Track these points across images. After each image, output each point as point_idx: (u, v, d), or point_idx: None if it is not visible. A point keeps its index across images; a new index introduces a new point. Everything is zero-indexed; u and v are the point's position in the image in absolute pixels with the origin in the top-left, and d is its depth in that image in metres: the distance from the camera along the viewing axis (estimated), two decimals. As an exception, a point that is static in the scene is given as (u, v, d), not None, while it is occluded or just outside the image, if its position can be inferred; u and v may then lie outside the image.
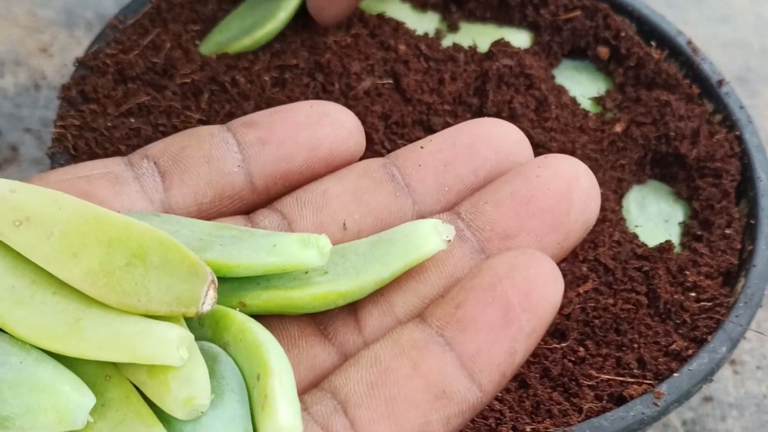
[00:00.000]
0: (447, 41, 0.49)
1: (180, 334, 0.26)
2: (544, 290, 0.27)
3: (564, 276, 0.40)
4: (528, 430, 0.36)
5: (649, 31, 0.49)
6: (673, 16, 0.77)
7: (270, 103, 0.42)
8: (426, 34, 0.48)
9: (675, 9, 0.78)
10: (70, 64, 0.44)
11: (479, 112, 0.45)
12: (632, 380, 0.38)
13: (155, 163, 0.31)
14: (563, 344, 0.39)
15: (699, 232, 0.43)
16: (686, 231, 0.44)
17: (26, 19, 0.72)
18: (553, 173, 0.30)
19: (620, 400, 0.37)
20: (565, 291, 0.40)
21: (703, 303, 0.40)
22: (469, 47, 0.47)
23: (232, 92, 0.43)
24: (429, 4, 0.50)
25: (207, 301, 0.26)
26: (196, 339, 0.27)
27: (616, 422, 0.36)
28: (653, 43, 0.48)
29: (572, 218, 0.29)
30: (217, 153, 0.31)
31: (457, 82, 0.45)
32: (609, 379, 0.38)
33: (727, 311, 0.40)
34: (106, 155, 0.40)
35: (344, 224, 0.30)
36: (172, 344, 0.25)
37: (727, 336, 0.39)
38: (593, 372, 0.38)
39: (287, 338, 0.29)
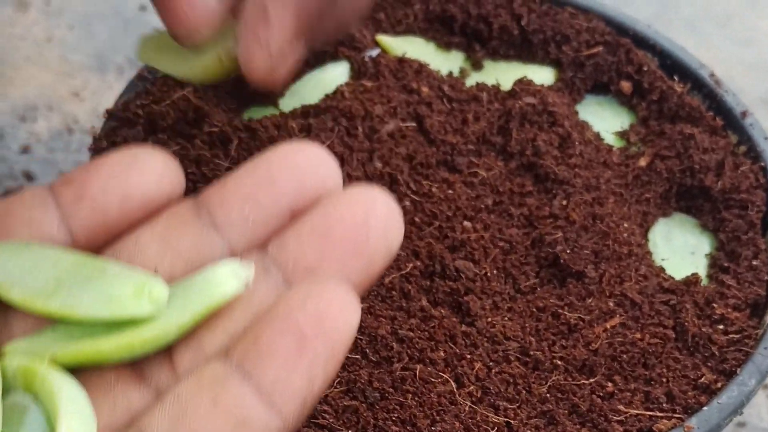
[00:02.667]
0: (471, 80, 0.49)
1: None
2: (338, 316, 0.29)
3: (591, 311, 0.40)
4: None
5: (672, 64, 0.49)
6: (696, 41, 0.78)
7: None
8: (450, 74, 0.49)
9: (699, 34, 0.79)
10: (102, 108, 0.45)
11: (503, 151, 0.45)
12: (661, 414, 0.38)
13: None
14: (591, 380, 0.39)
15: (726, 264, 0.44)
16: (713, 263, 0.44)
17: (58, 65, 0.74)
18: (350, 204, 0.31)
19: None
20: (592, 326, 0.40)
21: (731, 335, 0.41)
22: (492, 86, 0.48)
23: (261, 138, 0.44)
24: (453, 44, 0.51)
25: None
26: (10, 393, 0.29)
27: None
28: (676, 77, 0.49)
29: (372, 245, 0.30)
30: (37, 215, 0.32)
31: (480, 122, 0.46)
32: (638, 414, 0.38)
33: (755, 343, 0.40)
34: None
35: (156, 270, 0.31)
36: None
37: (756, 368, 0.39)
38: (622, 407, 0.38)
39: (104, 385, 0.30)
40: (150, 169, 0.33)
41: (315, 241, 0.31)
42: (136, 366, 0.31)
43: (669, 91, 0.48)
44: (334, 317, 0.29)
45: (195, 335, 0.31)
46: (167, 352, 0.31)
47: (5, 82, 0.73)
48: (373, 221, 0.31)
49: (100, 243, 0.33)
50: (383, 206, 0.31)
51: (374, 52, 0.49)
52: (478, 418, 0.37)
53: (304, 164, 0.32)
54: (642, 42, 0.50)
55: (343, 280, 0.30)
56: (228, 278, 0.30)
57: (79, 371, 0.30)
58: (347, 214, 0.31)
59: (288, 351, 0.28)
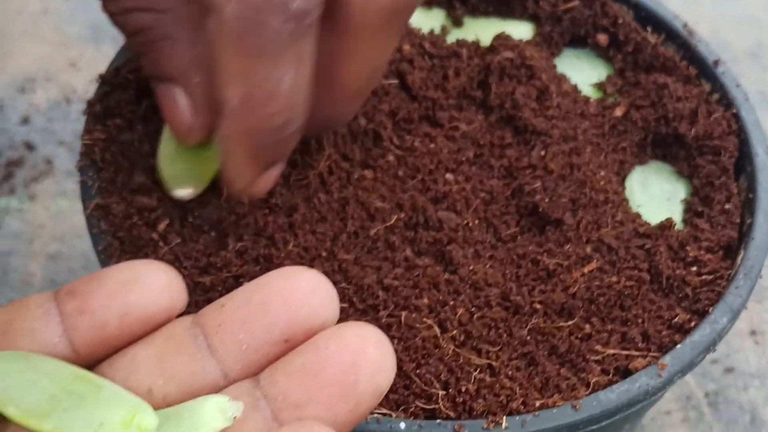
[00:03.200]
0: (452, 37, 0.50)
1: None
2: None
3: (569, 257, 0.42)
4: (537, 404, 0.38)
5: (646, 16, 0.50)
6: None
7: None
8: (432, 31, 0.50)
9: (686, -11, 0.80)
10: (99, 78, 0.47)
11: (483, 105, 0.47)
12: (637, 353, 0.40)
13: None
14: (570, 322, 0.40)
15: (700, 209, 0.45)
16: (688, 208, 0.46)
17: (54, 36, 0.75)
18: (340, 345, 0.32)
19: (626, 373, 0.39)
20: (570, 271, 0.42)
21: (704, 276, 0.42)
22: (472, 42, 0.49)
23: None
24: (434, 2, 0.52)
25: None
26: None
27: (622, 394, 0.38)
28: (649, 28, 0.50)
29: (361, 388, 0.31)
30: (40, 325, 0.33)
31: (460, 77, 0.47)
32: (614, 354, 0.40)
33: (727, 283, 0.42)
34: (132, 167, 0.43)
35: (150, 390, 0.32)
36: None
37: (728, 307, 0.41)
38: (599, 347, 0.40)
39: None
40: (151, 286, 0.34)
41: (304, 380, 0.32)
42: None
43: (643, 42, 0.49)
44: None
45: None
46: None
47: (3, 55, 0.74)
48: (363, 363, 0.32)
49: (99, 356, 0.34)
50: (375, 347, 0.32)
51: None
52: (462, 361, 0.39)
53: (299, 293, 0.33)
54: (617, -5, 0.51)
55: (327, 425, 0.31)
56: (216, 414, 0.32)
57: None
58: (337, 355, 0.32)
59: None
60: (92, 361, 0.34)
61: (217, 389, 0.33)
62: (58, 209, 0.66)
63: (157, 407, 0.32)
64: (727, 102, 0.47)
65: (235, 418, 0.32)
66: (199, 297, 0.40)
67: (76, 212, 0.65)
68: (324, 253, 0.41)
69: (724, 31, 0.78)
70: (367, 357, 0.32)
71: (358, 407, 0.32)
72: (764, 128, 0.68)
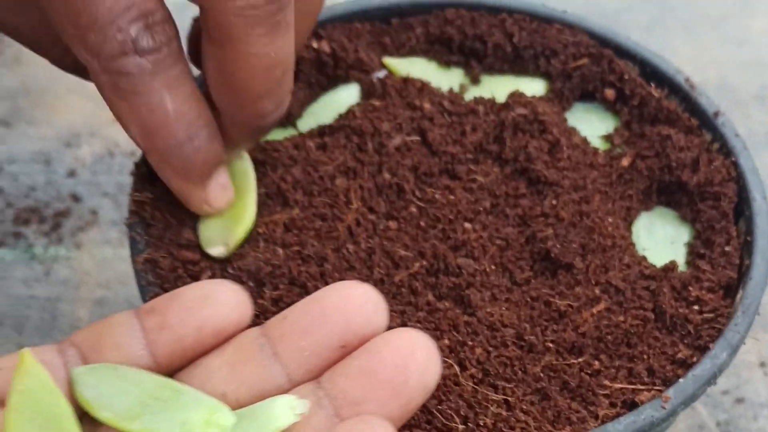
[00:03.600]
0: (470, 94, 0.54)
1: None
2: None
3: (579, 299, 0.45)
4: None
5: (651, 72, 0.53)
6: (691, 41, 0.82)
7: (315, 165, 0.49)
8: (451, 90, 0.54)
9: (695, 36, 0.82)
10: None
11: (498, 158, 0.50)
12: (643, 387, 0.42)
13: (79, 350, 0.38)
14: (580, 359, 0.43)
15: (702, 251, 0.48)
16: (690, 251, 0.48)
17: (97, 93, 0.79)
18: (392, 349, 0.36)
19: (632, 406, 0.42)
20: (580, 312, 0.45)
21: (705, 315, 0.45)
22: (489, 99, 0.53)
23: (282, 157, 0.49)
24: (452, 62, 0.56)
25: None
26: None
27: (628, 425, 0.40)
28: (653, 83, 0.53)
29: (411, 386, 0.35)
30: (125, 340, 0.37)
31: (477, 133, 0.51)
32: (622, 388, 0.42)
33: (727, 321, 0.44)
34: (180, 224, 0.47)
35: (224, 394, 0.36)
36: None
37: (727, 343, 0.43)
38: (607, 382, 0.42)
39: None
40: (222, 302, 0.38)
41: (361, 380, 0.36)
42: None
43: (648, 96, 0.52)
44: None
45: None
46: None
47: (50, 111, 0.78)
48: (413, 365, 0.36)
49: (177, 366, 0.38)
50: (422, 349, 0.36)
51: (381, 74, 0.54)
52: (480, 397, 0.41)
53: (353, 304, 0.37)
54: (623, 52, 0.54)
55: (383, 418, 0.34)
56: (285, 411, 0.36)
57: None
58: (390, 357, 0.36)
59: None
60: (171, 371, 0.38)
61: (282, 391, 0.37)
62: (103, 257, 0.69)
63: (232, 409, 0.36)
64: (726, 150, 0.50)
65: (302, 414, 0.35)
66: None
67: (119, 260, 0.69)
68: (353, 300, 0.45)
69: (731, 75, 0.81)
70: (416, 359, 0.36)
71: (408, 404, 0.36)
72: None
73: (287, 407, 0.36)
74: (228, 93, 0.43)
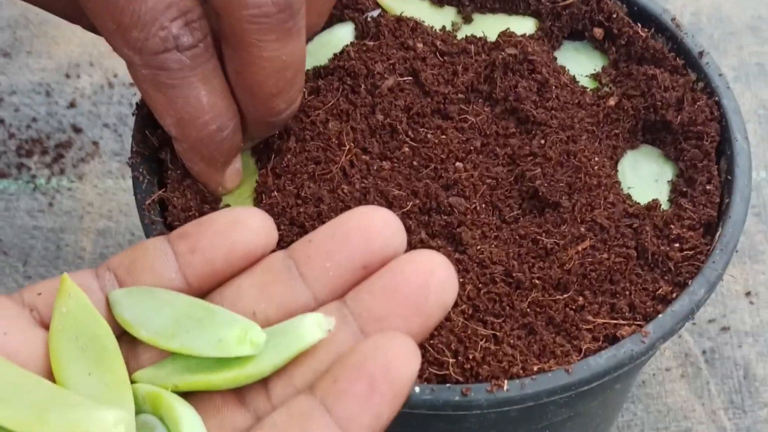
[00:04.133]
0: (462, 33, 0.55)
1: (117, 416, 0.34)
2: (402, 365, 0.35)
3: (565, 236, 0.47)
4: (535, 369, 0.42)
5: (638, 11, 0.55)
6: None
7: (306, 111, 0.50)
8: (443, 28, 0.55)
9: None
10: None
11: (489, 98, 0.51)
12: (624, 322, 0.44)
13: (115, 274, 0.40)
14: (565, 295, 0.45)
15: (684, 189, 0.49)
16: (673, 189, 0.50)
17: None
18: (414, 268, 0.37)
19: (614, 340, 0.44)
20: (566, 249, 0.46)
21: (685, 252, 0.46)
22: (480, 38, 0.54)
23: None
24: (445, 1, 0.57)
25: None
26: (142, 413, 0.37)
27: (609, 359, 0.42)
28: (641, 23, 0.54)
29: (430, 303, 0.37)
30: (159, 264, 0.39)
31: (468, 73, 0.52)
32: (604, 323, 0.44)
33: (706, 258, 0.46)
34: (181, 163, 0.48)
35: (254, 313, 0.38)
36: (109, 424, 0.34)
37: (706, 279, 0.45)
38: (591, 317, 0.44)
39: (212, 408, 0.38)
40: (250, 227, 0.40)
41: (384, 297, 0.37)
42: (238, 393, 0.38)
43: (635, 35, 0.54)
44: (399, 366, 0.35)
45: (286, 370, 0.38)
46: (263, 382, 0.38)
47: (50, 42, 0.79)
48: (433, 284, 0.37)
49: (208, 288, 0.40)
50: (441, 270, 0.37)
51: (375, 13, 0.55)
52: (469, 332, 0.43)
53: (374, 226, 0.38)
54: (612, -9, 0.55)
55: (405, 334, 0.36)
56: (313, 328, 0.37)
57: (191, 394, 0.38)
58: (411, 276, 0.37)
59: (361, 393, 0.35)
60: (203, 292, 0.40)
61: (309, 310, 0.39)
62: (105, 188, 0.71)
63: (261, 327, 0.38)
64: (710, 90, 0.51)
65: (329, 331, 0.37)
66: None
67: (121, 191, 0.71)
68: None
69: (725, 5, 0.82)
70: (436, 278, 0.37)
71: (428, 320, 0.37)
72: (763, 100, 0.73)
73: (315, 324, 0.37)
74: (244, 92, 0.46)
